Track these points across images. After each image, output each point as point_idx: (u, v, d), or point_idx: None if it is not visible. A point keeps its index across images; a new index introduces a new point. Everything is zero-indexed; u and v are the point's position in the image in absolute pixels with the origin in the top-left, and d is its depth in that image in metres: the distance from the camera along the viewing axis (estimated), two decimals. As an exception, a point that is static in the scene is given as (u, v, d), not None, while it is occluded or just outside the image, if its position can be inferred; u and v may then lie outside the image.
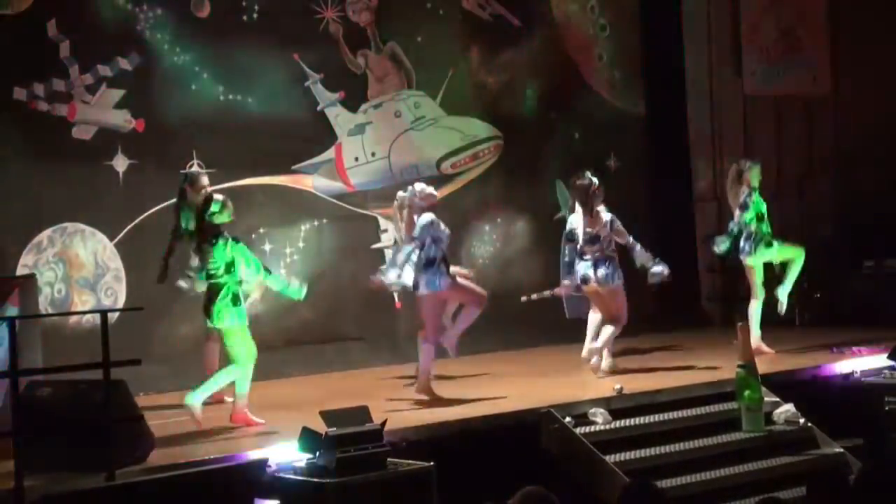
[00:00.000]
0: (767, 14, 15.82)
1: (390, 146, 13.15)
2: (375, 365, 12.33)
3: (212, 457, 7.95)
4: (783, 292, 11.81)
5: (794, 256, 11.82)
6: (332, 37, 12.82)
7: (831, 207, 16.00)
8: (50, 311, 10.79)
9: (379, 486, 7.64)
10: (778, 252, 11.76)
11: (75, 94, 11.30)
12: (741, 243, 11.72)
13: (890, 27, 15.79)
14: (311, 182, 12.63)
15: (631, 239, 10.83)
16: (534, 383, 10.67)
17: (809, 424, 9.89)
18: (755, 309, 11.73)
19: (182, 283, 10.23)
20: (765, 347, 11.61)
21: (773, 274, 11.94)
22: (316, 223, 12.61)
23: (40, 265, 11.00)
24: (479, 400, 9.92)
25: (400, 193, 10.60)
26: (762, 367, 10.20)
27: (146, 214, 11.57)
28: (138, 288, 11.37)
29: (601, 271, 10.71)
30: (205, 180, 10.36)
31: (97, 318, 8.01)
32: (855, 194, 16.01)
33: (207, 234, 9.18)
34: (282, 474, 7.79)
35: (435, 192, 10.36)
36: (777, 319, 12.22)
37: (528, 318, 13.29)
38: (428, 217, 10.02)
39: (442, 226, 10.03)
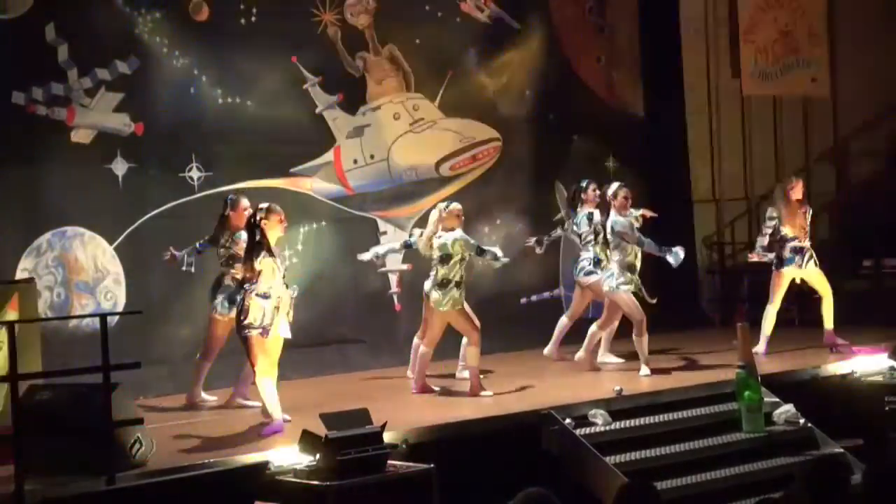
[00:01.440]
0: (766, 15, 15.83)
1: (389, 148, 13.14)
2: (375, 367, 12.32)
3: (212, 460, 7.94)
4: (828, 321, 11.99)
5: (823, 293, 11.99)
6: (330, 40, 12.81)
7: (829, 208, 16.01)
8: (49, 314, 10.77)
9: (379, 488, 7.64)
10: (815, 276, 11.94)
11: (74, 98, 11.29)
12: (788, 254, 11.83)
13: (888, 28, 15.81)
14: (310, 185, 12.62)
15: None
16: (534, 385, 10.67)
17: (809, 425, 9.89)
18: (773, 313, 11.87)
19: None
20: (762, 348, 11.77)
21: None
22: (315, 226, 12.60)
23: (40, 269, 10.99)
24: (479, 401, 9.93)
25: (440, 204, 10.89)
26: (762, 367, 10.21)
27: (145, 218, 11.56)
28: (138, 291, 11.37)
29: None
30: (245, 202, 10.40)
31: (97, 321, 8.00)
32: (853, 195, 16.03)
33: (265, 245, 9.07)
34: (282, 477, 7.79)
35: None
36: (778, 319, 12.25)
37: (528, 320, 13.30)
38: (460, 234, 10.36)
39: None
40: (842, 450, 9.68)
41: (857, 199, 15.84)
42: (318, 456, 7.70)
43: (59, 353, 9.86)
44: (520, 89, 14.11)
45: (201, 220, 11.33)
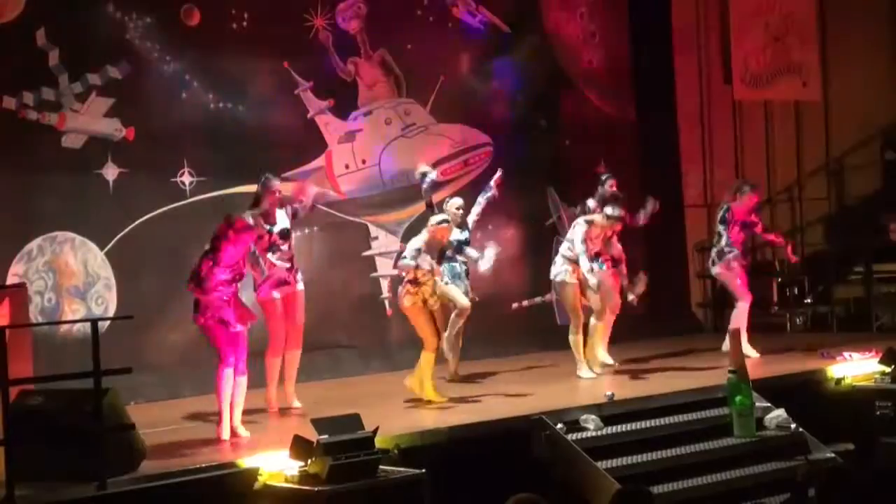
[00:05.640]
0: (757, 20, 15.86)
1: (380, 154, 13.14)
2: (367, 373, 12.32)
3: (203, 465, 7.93)
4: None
5: None
6: (322, 45, 12.82)
7: (821, 213, 16.04)
8: (40, 320, 10.76)
9: (370, 493, 7.64)
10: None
11: (65, 103, 11.27)
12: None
13: (878, 33, 15.85)
14: (302, 190, 12.60)
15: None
16: (525, 390, 10.66)
17: (801, 430, 9.89)
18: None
19: None
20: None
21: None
22: (306, 231, 12.58)
23: (30, 274, 10.98)
24: (470, 407, 9.93)
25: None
26: (753, 372, 10.22)
27: (137, 223, 11.55)
28: (129, 297, 11.35)
29: None
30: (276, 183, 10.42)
31: (88, 326, 7.99)
32: (845, 199, 16.07)
33: None
34: (273, 482, 7.78)
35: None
36: (769, 324, 12.29)
37: (520, 325, 13.30)
38: None
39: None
40: (833, 454, 9.69)
41: (848, 204, 15.87)
42: (309, 461, 7.70)
43: (50, 359, 9.83)
44: (511, 94, 14.12)
45: (193, 225, 11.32)
